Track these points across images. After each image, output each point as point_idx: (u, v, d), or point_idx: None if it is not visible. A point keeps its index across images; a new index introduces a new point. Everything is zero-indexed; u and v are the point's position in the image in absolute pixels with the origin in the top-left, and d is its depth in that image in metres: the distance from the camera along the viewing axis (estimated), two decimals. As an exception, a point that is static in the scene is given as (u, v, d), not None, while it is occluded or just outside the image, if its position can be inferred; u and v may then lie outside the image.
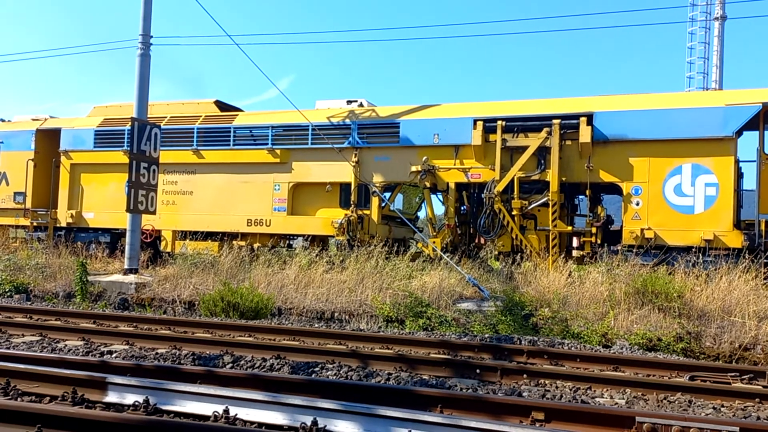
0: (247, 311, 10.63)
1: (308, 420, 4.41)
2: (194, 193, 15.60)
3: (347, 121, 14.37)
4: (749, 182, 12.02)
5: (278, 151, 14.76)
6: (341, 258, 12.86)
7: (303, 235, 14.90)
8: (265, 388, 5.45)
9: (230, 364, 6.96)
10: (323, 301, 11.29)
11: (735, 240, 11.32)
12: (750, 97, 11.59)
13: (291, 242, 16.02)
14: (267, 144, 14.89)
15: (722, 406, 6.00)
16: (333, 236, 14.34)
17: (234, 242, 14.69)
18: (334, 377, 6.53)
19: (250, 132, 15.40)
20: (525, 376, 6.77)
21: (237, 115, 15.85)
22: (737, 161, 11.72)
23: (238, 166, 15.16)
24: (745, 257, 10.57)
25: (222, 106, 16.43)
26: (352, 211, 13.96)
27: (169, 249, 15.61)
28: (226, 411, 4.63)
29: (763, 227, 11.25)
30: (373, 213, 14.09)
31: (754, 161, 11.56)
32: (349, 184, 14.23)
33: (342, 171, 14.20)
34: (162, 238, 15.78)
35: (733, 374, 7.18)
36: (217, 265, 13.23)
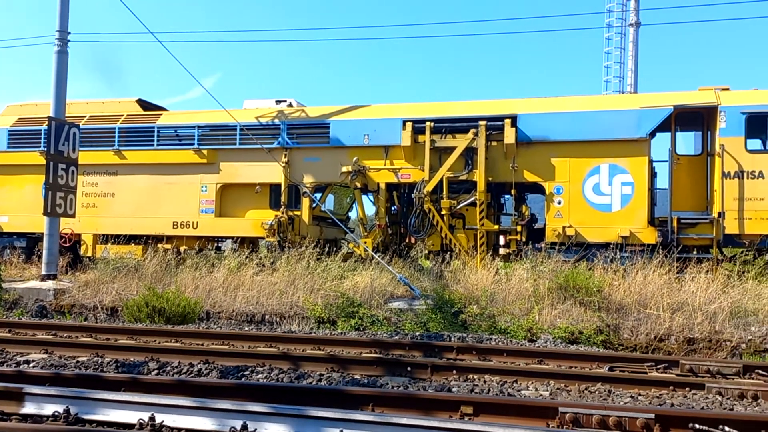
0: (173, 316, 10.34)
1: (238, 424, 4.35)
2: (116, 195, 15.03)
3: (276, 121, 14.23)
4: (662, 181, 12.72)
5: (205, 152, 14.44)
6: (272, 260, 12.72)
7: (232, 237, 14.64)
8: (193, 394, 5.33)
9: (156, 371, 6.76)
10: (253, 304, 11.13)
11: (649, 236, 11.93)
12: (662, 100, 12.24)
13: (219, 245, 15.71)
14: (193, 144, 14.54)
15: (639, 394, 6.30)
16: (263, 238, 14.16)
17: (159, 245, 14.26)
18: (265, 380, 6.46)
19: (175, 132, 15.00)
20: (454, 371, 6.90)
21: (161, 114, 15.40)
22: (651, 161, 12.36)
23: (163, 167, 14.73)
24: (659, 252, 11.16)
25: (145, 105, 15.91)
26: (283, 212, 13.83)
27: (89, 253, 14.99)
28: (152, 418, 4.50)
29: (675, 224, 11.92)
30: (304, 214, 14.00)
31: (667, 161, 12.23)
32: (279, 185, 14.08)
33: (272, 172, 14.04)
34: (82, 242, 15.13)
35: (649, 364, 7.56)
36: (141, 270, 12.80)
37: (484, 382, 6.65)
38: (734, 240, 11.78)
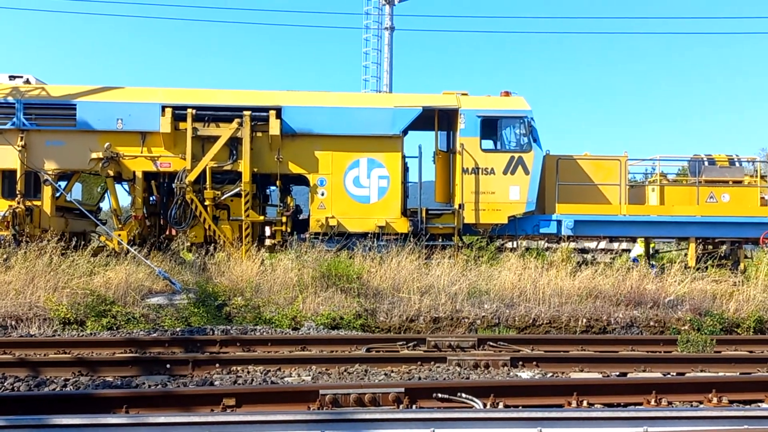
0: None
1: (-40, 444, 3.78)
2: None
3: (10, 99, 12.48)
4: (413, 176, 13.86)
5: None
6: (5, 256, 11.16)
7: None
8: None
9: None
10: (-19, 307, 9.67)
11: (402, 226, 12.95)
12: (413, 101, 13.33)
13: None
14: None
15: (392, 371, 6.86)
16: (-6, 231, 12.35)
17: None
18: (-4, 392, 5.69)
19: None
20: (217, 365, 6.80)
21: None
22: (404, 157, 13.40)
23: None
24: (410, 241, 12.18)
25: None
26: (19, 202, 12.20)
27: None
28: None
29: (424, 214, 13.10)
30: (45, 204, 12.52)
31: (416, 157, 13.35)
32: (14, 171, 12.40)
33: (4, 156, 12.30)
34: None
35: (401, 343, 8.25)
36: None
37: (248, 372, 6.66)
38: (472, 228, 13.35)
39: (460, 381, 6.29)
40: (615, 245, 19.14)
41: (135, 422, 4.06)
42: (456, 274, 11.10)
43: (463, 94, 13.66)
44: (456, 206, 13.18)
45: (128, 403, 4.86)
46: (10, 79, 13.06)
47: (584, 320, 10.03)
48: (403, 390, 5.27)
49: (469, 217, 13.10)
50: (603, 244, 18.26)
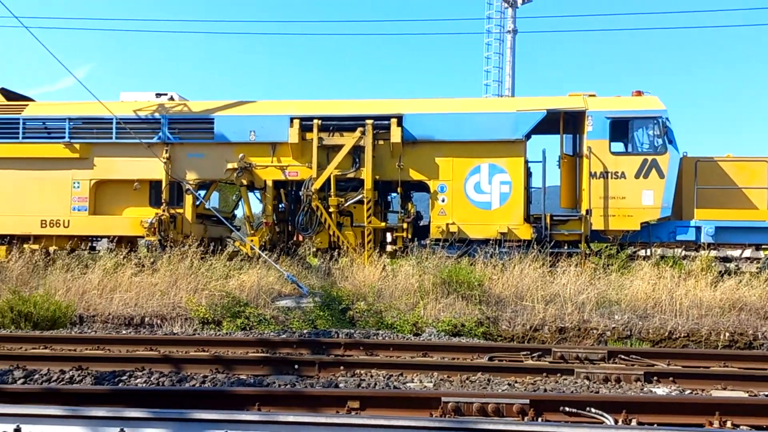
0: (42, 321, 9.64)
1: (114, 431, 4.14)
2: (-25, 192, 13.75)
3: (157, 115, 13.62)
4: (536, 181, 13.50)
5: (77, 146, 13.55)
6: (152, 259, 12.16)
7: (108, 237, 13.83)
8: (65, 402, 5.00)
9: (22, 380, 6.28)
10: (132, 306, 10.60)
11: (525, 232, 12.63)
12: (537, 104, 12.99)
13: (94, 244, 14.79)
14: (64, 137, 13.59)
15: (516, 381, 6.67)
16: (142, 237, 13.51)
17: (25, 246, 13.22)
18: (144, 385, 6.19)
19: (44, 124, 13.96)
20: (342, 367, 6.96)
21: (27, 105, 14.26)
22: (527, 161, 13.08)
23: (30, 162, 13.66)
24: (534, 248, 11.84)
25: (8, 94, 14.66)
26: (164, 210, 13.27)
27: (-57, 255, 13.60)
28: (17, 430, 4.18)
29: (548, 221, 12.70)
30: (187, 212, 13.52)
31: (540, 162, 12.98)
32: (159, 182, 13.50)
33: (152, 167, 13.42)
34: (-65, 243, 13.72)
35: (525, 353, 8.01)
36: (5, 272, 11.82)
37: (371, 376, 6.76)
38: (600, 235, 12.75)
39: (589, 394, 6.00)
40: (761, 254, 17.49)
41: (267, 420, 4.24)
42: (583, 283, 10.65)
43: (590, 95, 13.12)
44: (583, 212, 12.66)
45: (260, 401, 5.10)
46: (157, 97, 14.26)
47: (727, 334, 9.24)
48: (528, 401, 5.11)
49: (597, 224, 12.53)
50: (748, 253, 16.75)
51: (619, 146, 13.04)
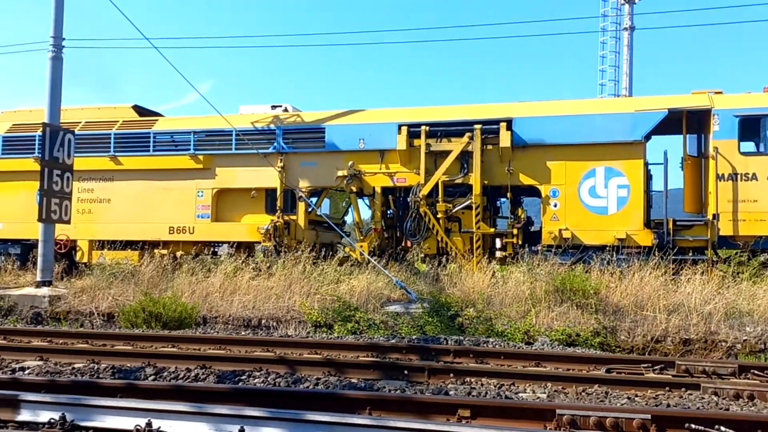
0: (170, 321, 10.32)
1: (235, 429, 4.34)
2: (112, 201, 15.01)
3: (272, 126, 14.24)
4: (657, 184, 12.74)
5: (201, 157, 14.44)
6: (268, 264, 12.71)
7: (228, 242, 14.62)
8: (190, 399, 5.32)
9: (153, 376, 6.74)
10: (250, 309, 11.12)
11: (645, 238, 11.96)
12: (657, 104, 12.29)
13: (216, 249, 15.68)
14: (189, 149, 14.53)
15: (636, 395, 6.32)
16: (259, 242, 14.15)
17: (155, 251, 14.23)
18: (262, 384, 6.45)
19: (171, 137, 15.00)
20: (451, 375, 6.90)
21: (157, 120, 15.39)
22: (646, 164, 12.39)
23: (159, 173, 14.72)
24: (655, 254, 11.19)
25: (140, 110, 15.90)
26: (279, 217, 13.83)
27: (85, 259, 14.93)
28: (149, 424, 4.49)
29: (671, 226, 11.96)
30: (300, 218, 14.01)
31: (661, 164, 12.26)
32: (274, 190, 14.09)
33: (267, 176, 14.05)
34: (77, 248, 15.08)
35: (645, 365, 7.57)
36: (138, 275, 12.77)
37: (482, 385, 6.65)
38: (729, 241, 11.82)
39: (719, 412, 5.56)
40: None
41: (377, 424, 4.29)
42: (710, 292, 9.93)
43: (716, 93, 12.25)
44: (709, 216, 11.81)
45: (371, 405, 5.15)
46: (272, 109, 14.93)
47: None
48: (649, 417, 4.82)
49: (725, 229, 11.64)
50: None
51: (749, 146, 12.06)
